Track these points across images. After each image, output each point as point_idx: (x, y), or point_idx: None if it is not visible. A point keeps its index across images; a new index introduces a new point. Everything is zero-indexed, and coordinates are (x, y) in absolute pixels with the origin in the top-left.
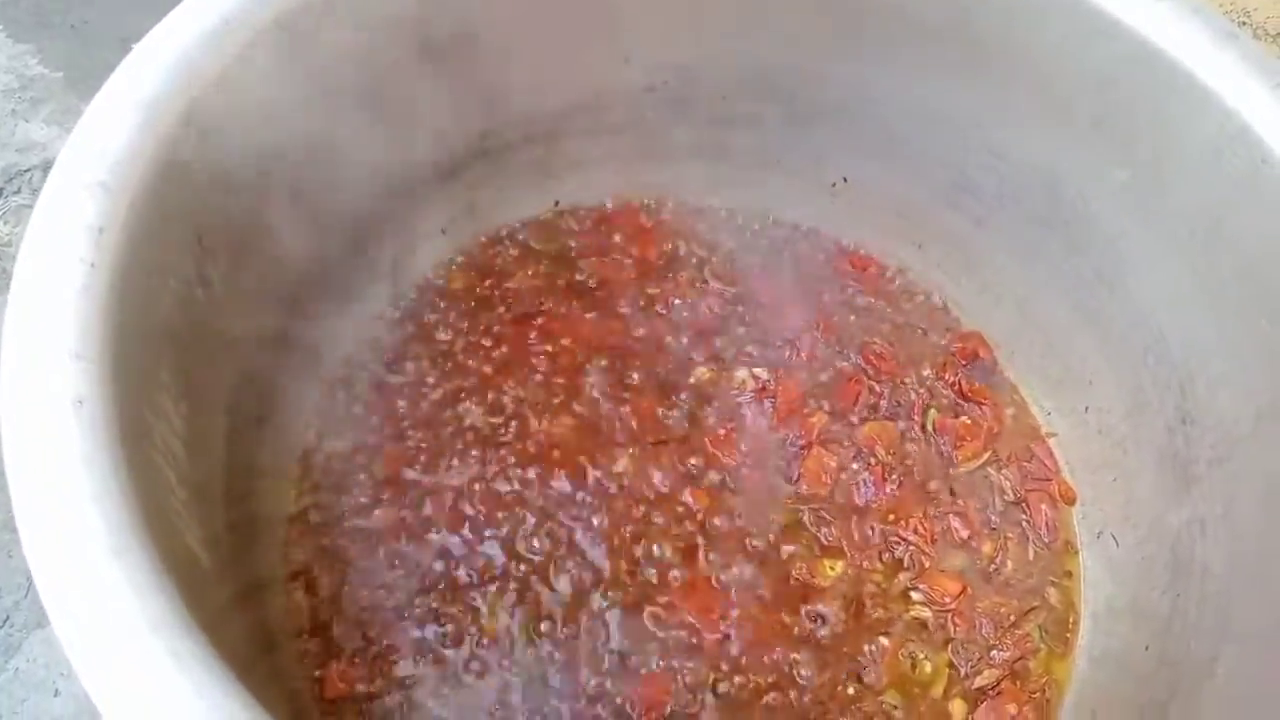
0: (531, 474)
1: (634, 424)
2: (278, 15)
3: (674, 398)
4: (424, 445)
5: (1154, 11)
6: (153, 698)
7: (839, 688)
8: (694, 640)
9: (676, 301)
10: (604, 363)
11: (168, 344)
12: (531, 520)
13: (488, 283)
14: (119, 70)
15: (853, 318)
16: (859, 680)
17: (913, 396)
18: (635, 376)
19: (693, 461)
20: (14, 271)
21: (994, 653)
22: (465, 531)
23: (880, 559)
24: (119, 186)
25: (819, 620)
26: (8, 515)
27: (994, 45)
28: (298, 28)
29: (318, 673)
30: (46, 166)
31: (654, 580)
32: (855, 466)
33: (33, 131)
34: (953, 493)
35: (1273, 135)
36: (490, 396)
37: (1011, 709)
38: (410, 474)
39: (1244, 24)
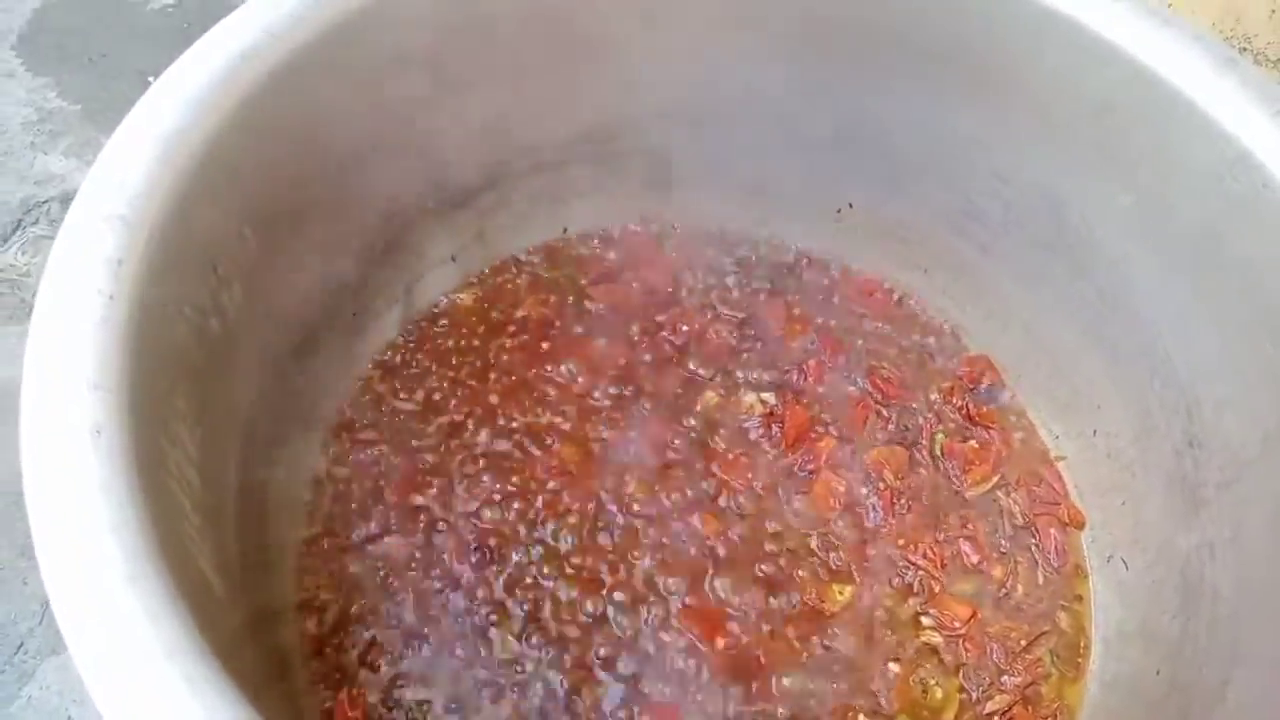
0: (541, 500)
1: (642, 449)
2: (293, 50)
3: (682, 423)
4: (434, 471)
5: (1154, 38)
6: None
7: (850, 714)
8: (704, 666)
9: (684, 327)
10: (612, 388)
11: (183, 373)
12: (541, 545)
13: (498, 309)
14: (139, 104)
15: (859, 343)
16: (870, 706)
17: (920, 421)
18: (644, 402)
19: (701, 486)
20: (35, 303)
21: (1005, 678)
22: (476, 557)
23: (890, 584)
24: (138, 220)
25: (829, 646)
26: (24, 543)
27: (995, 72)
28: (313, 62)
29: (329, 699)
30: (64, 198)
31: (663, 605)
32: (863, 491)
33: (51, 164)
34: (962, 517)
35: (1273, 160)
36: (500, 422)
37: None
38: (421, 500)
39: (1245, 50)
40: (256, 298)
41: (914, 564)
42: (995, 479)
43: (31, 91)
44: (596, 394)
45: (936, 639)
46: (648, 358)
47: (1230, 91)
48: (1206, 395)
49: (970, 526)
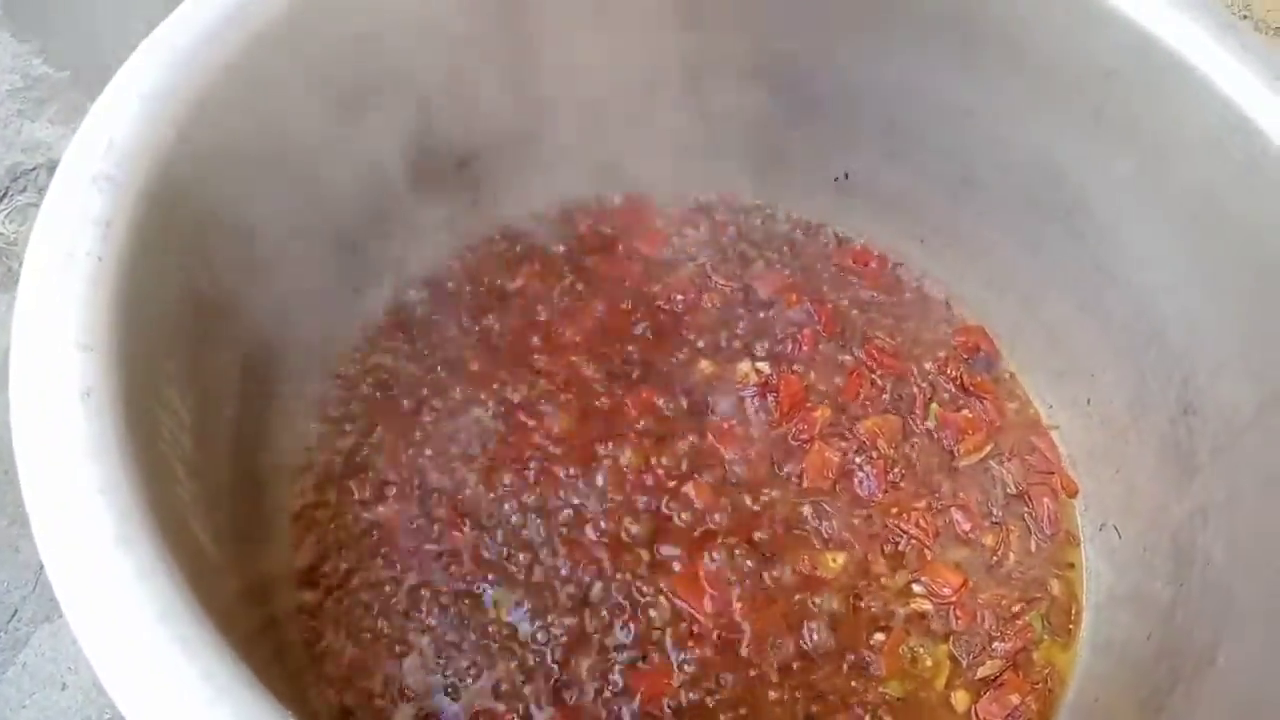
0: (535, 468)
1: (637, 418)
2: (283, 9)
3: (677, 392)
4: (428, 440)
5: (1155, 3)
6: (162, 684)
7: (841, 680)
8: (696, 632)
9: (678, 297)
10: (607, 358)
11: (174, 336)
12: (535, 514)
13: (491, 278)
14: (125, 65)
15: (855, 312)
16: (861, 672)
17: (915, 390)
18: (638, 371)
19: (696, 456)
20: (22, 266)
21: (996, 644)
22: (469, 526)
23: (882, 552)
24: (125, 180)
25: (821, 613)
26: (16, 510)
27: (994, 36)
28: (303, 21)
29: (326, 665)
30: (51, 166)
31: (657, 573)
32: (857, 460)
33: (38, 131)
34: (954, 486)
35: (1273, 127)
36: (494, 391)
37: (1014, 699)
38: (415, 468)
39: (1245, 17)
40: (247, 263)
41: (906, 532)
42: (989, 448)
43: (17, 57)
44: (590, 363)
45: (927, 606)
46: (642, 327)
47: (1230, 57)
48: (1202, 362)
49: (963, 495)
